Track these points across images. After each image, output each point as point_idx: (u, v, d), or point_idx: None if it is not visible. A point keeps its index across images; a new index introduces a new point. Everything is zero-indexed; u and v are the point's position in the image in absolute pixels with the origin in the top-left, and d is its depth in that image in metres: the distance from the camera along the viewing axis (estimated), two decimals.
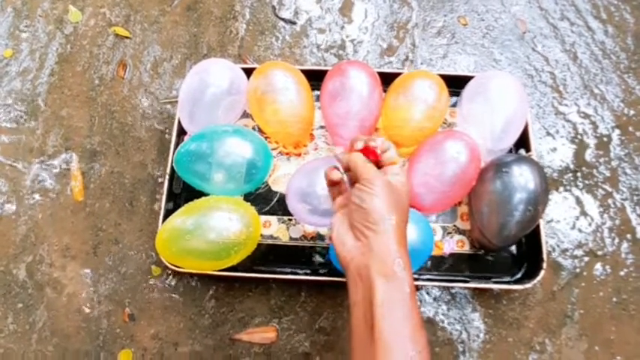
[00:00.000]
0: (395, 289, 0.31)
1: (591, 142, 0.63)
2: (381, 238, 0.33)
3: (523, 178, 0.48)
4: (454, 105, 0.60)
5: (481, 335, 0.54)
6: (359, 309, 0.32)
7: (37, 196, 0.61)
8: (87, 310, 0.56)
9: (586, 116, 0.64)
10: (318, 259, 0.55)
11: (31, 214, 0.60)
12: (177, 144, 0.56)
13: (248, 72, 0.57)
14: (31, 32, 0.70)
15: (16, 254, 0.58)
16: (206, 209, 0.50)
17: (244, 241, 0.49)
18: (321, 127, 0.60)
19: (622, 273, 0.56)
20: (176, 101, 0.64)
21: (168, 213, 0.53)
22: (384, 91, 0.57)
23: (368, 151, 0.37)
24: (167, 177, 0.55)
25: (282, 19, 0.70)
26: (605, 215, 0.59)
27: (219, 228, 0.48)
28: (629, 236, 0.58)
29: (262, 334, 0.54)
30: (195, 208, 0.50)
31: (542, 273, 0.50)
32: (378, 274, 0.32)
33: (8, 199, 0.61)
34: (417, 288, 0.55)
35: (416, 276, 0.53)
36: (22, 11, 0.71)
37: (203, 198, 0.52)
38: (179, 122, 0.57)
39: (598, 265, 0.57)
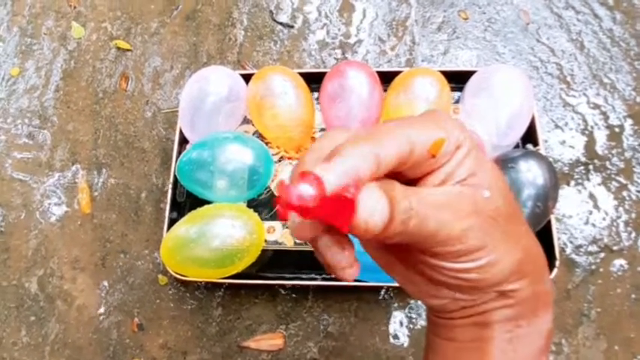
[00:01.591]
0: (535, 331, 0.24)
1: (602, 133, 0.60)
2: (526, 292, 0.22)
3: (531, 174, 0.47)
4: (457, 101, 0.59)
5: None
6: (465, 351, 0.24)
7: (46, 210, 0.62)
8: (97, 322, 0.56)
9: (596, 107, 0.62)
10: None
11: (42, 228, 0.61)
12: (179, 153, 0.56)
13: (247, 78, 0.57)
14: (37, 50, 0.71)
15: (28, 268, 0.59)
16: (209, 217, 0.50)
17: (248, 247, 0.49)
18: (323, 129, 0.59)
19: None
20: (177, 110, 0.64)
21: (172, 222, 0.53)
22: (385, 90, 0.56)
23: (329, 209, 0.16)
24: (170, 186, 0.56)
25: (280, 24, 0.70)
26: (620, 208, 0.57)
27: (222, 235, 0.48)
28: None
29: (270, 341, 0.54)
30: (199, 217, 0.50)
31: (555, 271, 0.48)
32: (515, 321, 0.23)
33: (19, 213, 0.62)
34: None
35: None
36: (27, 30, 0.73)
37: (206, 206, 0.52)
38: (180, 131, 0.57)
39: (614, 261, 0.54)
